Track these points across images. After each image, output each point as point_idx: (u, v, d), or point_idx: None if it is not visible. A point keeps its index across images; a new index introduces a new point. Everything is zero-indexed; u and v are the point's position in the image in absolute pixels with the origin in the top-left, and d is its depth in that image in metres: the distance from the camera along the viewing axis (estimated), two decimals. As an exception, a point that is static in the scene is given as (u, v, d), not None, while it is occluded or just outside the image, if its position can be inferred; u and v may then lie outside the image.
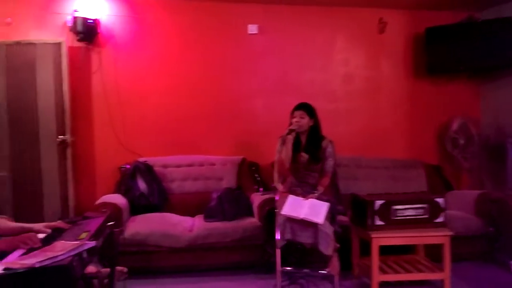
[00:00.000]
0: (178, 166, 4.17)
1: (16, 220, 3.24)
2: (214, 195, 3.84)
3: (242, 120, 4.48)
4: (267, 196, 3.78)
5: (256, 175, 4.27)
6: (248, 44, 4.50)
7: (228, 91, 4.47)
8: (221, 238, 3.51)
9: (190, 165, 4.19)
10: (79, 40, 4.08)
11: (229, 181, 4.15)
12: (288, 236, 3.14)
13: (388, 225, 3.14)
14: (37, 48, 3.94)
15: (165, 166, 4.15)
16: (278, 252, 3.20)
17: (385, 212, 3.14)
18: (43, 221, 3.79)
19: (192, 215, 3.89)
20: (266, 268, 3.49)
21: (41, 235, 2.19)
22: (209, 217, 3.70)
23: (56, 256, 1.74)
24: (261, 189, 4.14)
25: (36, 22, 4.08)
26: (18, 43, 3.93)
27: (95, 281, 2.74)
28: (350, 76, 4.71)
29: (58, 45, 3.96)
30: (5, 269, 1.67)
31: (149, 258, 3.45)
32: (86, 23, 4.02)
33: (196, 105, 4.39)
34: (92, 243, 1.92)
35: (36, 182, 3.92)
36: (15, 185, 3.90)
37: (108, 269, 2.79)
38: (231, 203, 3.76)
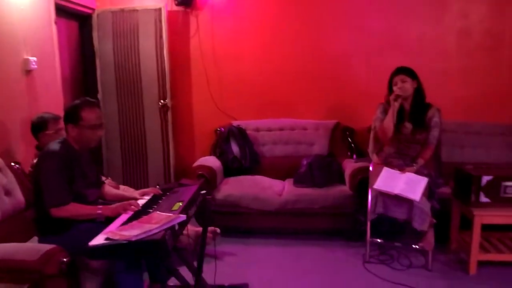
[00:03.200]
0: (270, 129, 4.18)
1: (124, 182, 3.60)
2: (304, 162, 3.79)
3: (339, 82, 4.26)
4: (360, 164, 3.60)
5: (350, 141, 4.09)
6: (347, -2, 4.16)
7: (325, 51, 4.24)
8: (310, 204, 3.49)
9: (281, 129, 4.17)
10: (177, 5, 4.16)
11: (321, 146, 4.06)
12: (380, 210, 3.01)
13: (495, 202, 2.82)
14: (139, 14, 4.12)
15: (257, 130, 4.18)
16: (368, 224, 3.11)
17: (493, 188, 2.84)
18: (147, 181, 4.18)
19: (282, 178, 3.92)
20: (356, 236, 3.44)
21: (140, 202, 2.37)
22: (298, 182, 3.69)
23: (151, 230, 1.88)
24: (354, 156, 3.98)
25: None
26: (122, 10, 4.15)
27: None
28: (467, 30, 4.09)
29: (158, 10, 4.09)
30: (106, 238, 1.85)
31: (241, 218, 3.60)
32: (184, -13, 4.06)
33: (291, 67, 4.27)
34: (183, 217, 2.03)
35: (141, 143, 4.26)
36: (123, 145, 4.28)
37: (200, 229, 2.99)
38: (322, 170, 3.69)
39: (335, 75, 4.25)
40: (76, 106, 2.32)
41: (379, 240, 3.23)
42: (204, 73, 4.33)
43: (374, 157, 3.30)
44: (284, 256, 3.30)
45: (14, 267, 1.85)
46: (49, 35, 3.49)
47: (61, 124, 2.88)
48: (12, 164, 2.65)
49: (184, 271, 2.68)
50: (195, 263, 2.50)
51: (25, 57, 3.13)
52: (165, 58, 4.11)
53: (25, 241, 2.25)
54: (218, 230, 3.15)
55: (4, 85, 2.91)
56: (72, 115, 2.31)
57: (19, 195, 2.53)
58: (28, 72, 3.17)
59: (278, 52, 4.26)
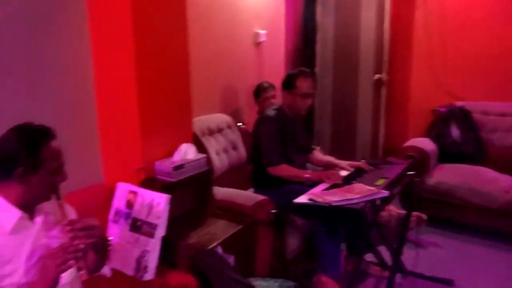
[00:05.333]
0: (503, 115, 3.58)
1: (331, 153, 3.72)
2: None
3: None
4: None
5: None
6: None
7: None
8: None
9: (519, 115, 3.53)
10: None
11: None
12: None
13: None
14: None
15: (485, 113, 3.65)
16: None
17: None
18: (354, 154, 4.21)
19: (512, 173, 3.34)
20: None
21: (344, 173, 2.43)
22: (535, 181, 3.09)
23: (352, 199, 1.92)
24: None
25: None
26: (347, -17, 4.17)
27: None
28: None
29: (383, -20, 3.95)
30: (309, 199, 1.98)
31: (452, 210, 3.26)
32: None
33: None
34: (385, 193, 1.99)
35: (351, 116, 4.29)
36: (334, 117, 4.40)
37: (404, 212, 2.86)
38: None
39: None
40: (293, 75, 2.55)
41: None
42: (427, 46, 4.00)
43: None
44: (501, 263, 2.86)
45: (234, 208, 2.20)
46: (278, 10, 3.85)
47: (271, 92, 3.25)
48: (239, 124, 3.08)
49: (383, 252, 2.65)
50: (395, 245, 2.43)
51: (257, 30, 3.54)
52: (386, 30, 3.98)
53: (245, 189, 2.61)
54: (425, 217, 2.96)
55: (237, 56, 3.38)
56: (287, 83, 2.55)
57: (242, 151, 2.96)
58: (258, 44, 3.58)
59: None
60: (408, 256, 2.49)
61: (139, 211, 1.83)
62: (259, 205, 2.17)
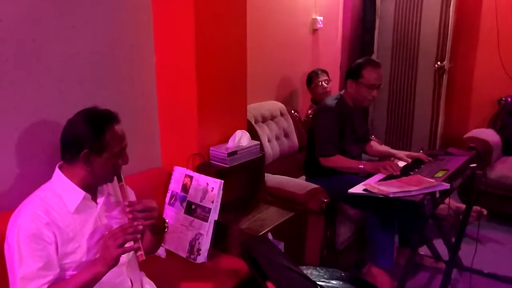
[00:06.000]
0: None
1: (386, 142, 3.56)
2: None
3: None
4: None
5: None
6: None
7: None
8: None
9: None
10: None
11: None
12: None
13: None
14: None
15: (559, 104, 3.31)
16: None
17: None
18: (410, 145, 4.01)
19: None
20: None
21: (401, 163, 2.30)
22: None
23: (410, 191, 1.81)
24: None
25: None
26: (410, -34, 3.92)
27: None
28: None
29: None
30: (364, 189, 1.89)
31: (516, 206, 3.02)
32: None
33: None
34: (446, 186, 1.87)
35: (409, 106, 4.07)
36: (390, 106, 4.19)
37: (463, 206, 2.68)
38: None
39: None
40: (360, 64, 2.38)
41: None
42: (496, 32, 3.68)
43: None
44: None
45: (285, 196, 2.16)
46: (337, -5, 3.70)
47: (323, 77, 3.12)
48: (292, 112, 3.01)
49: (439, 245, 2.51)
50: (453, 240, 2.29)
51: (314, 16, 3.42)
52: (451, 14, 3.69)
53: (295, 177, 2.56)
54: (485, 212, 2.76)
55: (295, 42, 3.29)
56: (354, 72, 2.39)
57: (294, 139, 2.89)
58: (315, 30, 3.47)
59: None
60: (466, 251, 2.34)
61: (194, 195, 1.85)
62: (311, 193, 2.12)
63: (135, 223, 1.21)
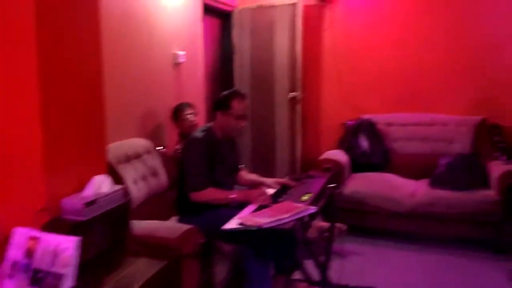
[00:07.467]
0: (403, 124, 3.71)
1: (254, 170, 3.54)
2: (443, 161, 3.27)
3: (486, 74, 3.59)
4: (511, 166, 3.00)
5: (498, 140, 3.41)
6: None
7: (468, 40, 3.61)
8: (447, 208, 3.02)
9: (416, 124, 3.67)
10: (318, -2, 3.93)
11: (462, 145, 3.46)
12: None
13: None
14: (276, 10, 4.01)
15: (389, 124, 3.75)
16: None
17: None
18: (275, 171, 4.08)
19: (415, 178, 3.44)
20: (499, 248, 2.93)
21: (271, 191, 2.25)
22: (436, 184, 3.18)
23: (282, 219, 1.75)
24: (503, 157, 3.29)
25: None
26: (260, 7, 4.09)
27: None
28: None
29: (294, 5, 3.91)
30: (240, 224, 1.76)
31: (367, 218, 3.26)
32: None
33: (427, 58, 3.75)
34: (313, 209, 1.87)
35: (270, 134, 4.17)
36: (253, 135, 4.24)
37: (328, 224, 2.76)
38: (464, 172, 3.13)
39: (482, 67, 3.60)
40: (228, 96, 2.31)
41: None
42: (335, 66, 4.06)
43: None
44: (417, 263, 2.89)
45: (156, 243, 1.86)
46: (196, 31, 3.60)
47: (188, 111, 2.98)
48: (159, 148, 2.75)
49: (309, 266, 2.50)
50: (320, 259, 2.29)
51: (175, 51, 3.26)
52: (297, 52, 3.94)
53: (166, 219, 2.29)
54: (345, 227, 2.89)
55: (156, 76, 3.06)
56: (223, 103, 2.30)
57: (163, 177, 2.60)
58: (177, 65, 3.30)
59: (413, 43, 3.78)
60: (332, 267, 2.37)
61: (41, 260, 1.44)
62: (185, 236, 1.87)
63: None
